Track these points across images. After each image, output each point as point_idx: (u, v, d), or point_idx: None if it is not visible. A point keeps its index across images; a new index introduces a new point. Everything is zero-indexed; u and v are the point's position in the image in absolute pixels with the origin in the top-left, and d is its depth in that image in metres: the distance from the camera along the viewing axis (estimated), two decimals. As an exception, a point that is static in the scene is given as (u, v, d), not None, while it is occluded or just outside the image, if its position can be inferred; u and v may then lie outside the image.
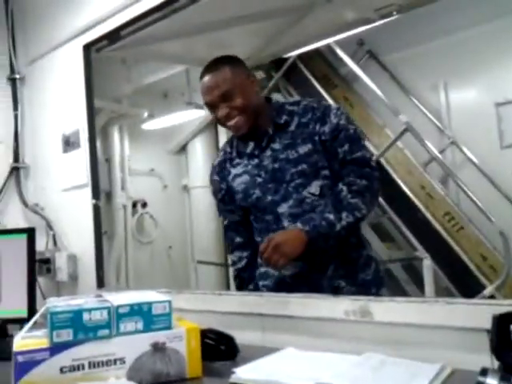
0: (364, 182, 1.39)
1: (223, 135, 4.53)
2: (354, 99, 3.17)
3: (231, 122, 1.47)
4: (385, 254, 2.86)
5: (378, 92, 2.71)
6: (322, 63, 3.23)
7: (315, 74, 3.15)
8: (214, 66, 1.49)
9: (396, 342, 1.13)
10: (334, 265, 1.47)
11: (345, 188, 1.39)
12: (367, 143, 2.92)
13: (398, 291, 2.76)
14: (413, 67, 3.31)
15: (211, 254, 4.35)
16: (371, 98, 3.03)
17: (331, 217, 1.36)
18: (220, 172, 1.62)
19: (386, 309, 1.18)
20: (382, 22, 2.13)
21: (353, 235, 1.47)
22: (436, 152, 2.73)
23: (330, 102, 3.09)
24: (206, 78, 1.48)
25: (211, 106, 1.49)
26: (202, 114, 4.12)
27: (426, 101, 3.30)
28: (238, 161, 1.57)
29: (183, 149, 4.74)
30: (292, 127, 1.47)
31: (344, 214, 1.36)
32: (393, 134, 2.87)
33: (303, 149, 1.43)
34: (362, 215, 1.38)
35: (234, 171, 1.57)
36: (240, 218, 1.62)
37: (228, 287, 4.00)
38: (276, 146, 1.48)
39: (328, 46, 2.93)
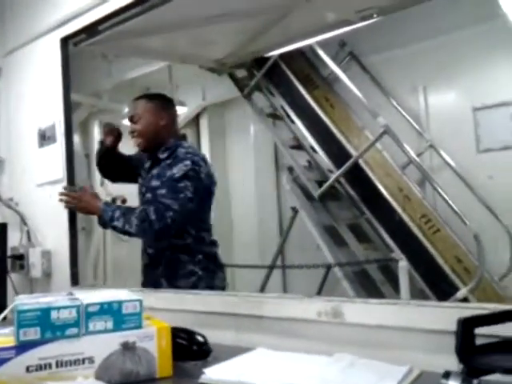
0: (147, 215, 1.77)
1: (205, 134, 4.52)
2: (334, 100, 3.18)
3: (133, 139, 2.00)
4: (361, 255, 2.88)
5: (358, 94, 2.72)
6: (304, 63, 3.23)
7: (297, 74, 3.15)
8: (142, 95, 2.07)
9: (367, 343, 1.14)
10: (163, 267, 1.91)
11: (140, 208, 1.84)
12: (347, 144, 2.96)
13: (375, 292, 2.78)
14: (393, 69, 3.34)
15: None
16: (352, 99, 3.05)
17: (116, 215, 1.82)
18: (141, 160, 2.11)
19: (358, 310, 1.19)
20: (362, 23, 2.14)
21: (185, 254, 1.90)
22: (414, 155, 2.76)
23: (311, 103, 3.10)
24: (132, 101, 2.04)
25: (129, 121, 2.02)
26: (183, 111, 4.10)
27: (405, 103, 3.33)
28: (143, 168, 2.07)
29: (164, 146, 4.71)
30: (162, 165, 1.91)
31: (121, 220, 1.81)
32: (372, 136, 2.89)
33: (155, 183, 1.88)
34: (126, 230, 1.81)
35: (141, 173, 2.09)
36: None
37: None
38: (153, 171, 1.95)
39: (310, 47, 2.94)
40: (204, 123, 4.51)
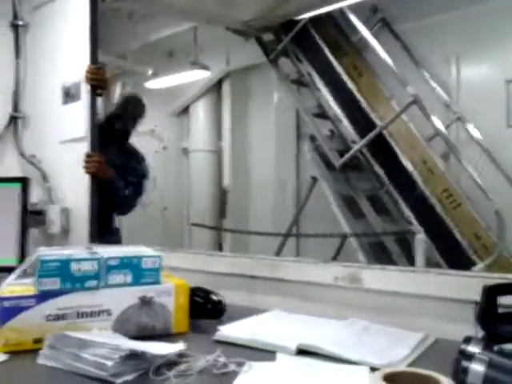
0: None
1: (227, 99, 4.48)
2: (362, 68, 3.09)
3: (119, 130, 2.48)
4: (379, 227, 2.86)
5: (388, 61, 2.64)
6: (334, 29, 3.14)
7: (326, 39, 3.06)
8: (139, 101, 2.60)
9: (383, 309, 1.14)
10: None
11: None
12: (372, 114, 2.90)
13: (389, 264, 2.76)
14: (426, 39, 3.22)
15: (206, 217, 4.36)
16: (380, 68, 2.96)
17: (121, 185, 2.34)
18: None
19: (376, 276, 1.18)
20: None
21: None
22: (441, 127, 2.68)
23: (339, 70, 3.03)
24: (133, 103, 2.56)
25: (118, 116, 2.48)
26: (206, 75, 4.06)
27: (436, 74, 3.22)
28: None
29: (185, 111, 4.69)
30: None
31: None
32: (399, 107, 2.82)
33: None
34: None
35: None
36: None
37: (220, 251, 4.03)
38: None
39: (340, 11, 2.85)
40: (226, 88, 4.47)
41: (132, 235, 3.64)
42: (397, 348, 0.93)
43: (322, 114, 3.23)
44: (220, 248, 4.23)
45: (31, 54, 2.37)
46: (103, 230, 2.27)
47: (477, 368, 0.62)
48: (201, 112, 4.59)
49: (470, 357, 0.64)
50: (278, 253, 3.17)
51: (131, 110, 2.52)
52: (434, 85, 3.17)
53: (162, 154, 4.50)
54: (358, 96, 2.96)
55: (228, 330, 1.06)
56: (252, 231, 3.31)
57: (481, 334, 0.78)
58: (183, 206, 4.62)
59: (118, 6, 2.05)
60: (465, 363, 0.63)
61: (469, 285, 1.03)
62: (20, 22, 2.35)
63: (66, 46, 2.18)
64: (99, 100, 2.17)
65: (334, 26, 3.18)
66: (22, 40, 2.37)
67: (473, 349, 0.68)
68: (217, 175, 4.53)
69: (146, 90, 4.10)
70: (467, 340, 0.70)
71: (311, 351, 0.94)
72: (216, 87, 4.50)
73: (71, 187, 2.16)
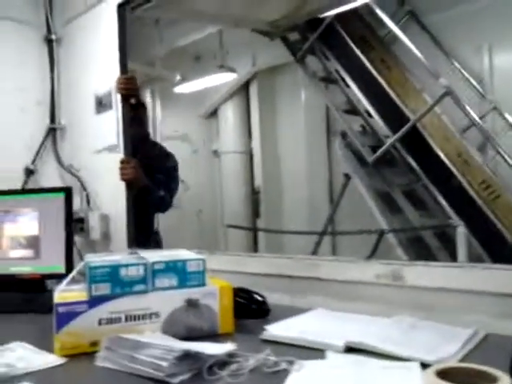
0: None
1: (255, 100, 4.50)
2: (391, 62, 3.05)
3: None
4: (416, 222, 2.82)
5: (418, 53, 2.60)
6: (360, 24, 3.11)
7: (352, 35, 3.04)
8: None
9: (428, 306, 1.13)
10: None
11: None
12: (404, 108, 2.86)
13: (430, 259, 2.72)
14: (455, 29, 3.15)
15: (240, 218, 4.38)
16: (410, 60, 2.92)
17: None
18: None
19: (419, 273, 1.17)
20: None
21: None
22: (476, 117, 2.63)
23: (367, 65, 3.00)
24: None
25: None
26: (233, 77, 4.08)
27: (467, 64, 3.15)
28: None
29: (214, 113, 4.73)
30: None
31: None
32: (431, 99, 2.77)
33: None
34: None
35: None
36: None
37: (256, 252, 4.04)
38: None
39: (366, 6, 2.82)
40: (254, 89, 4.48)
41: (169, 239, 3.70)
42: (447, 344, 0.92)
43: (353, 111, 3.21)
44: (255, 248, 4.25)
45: (64, 67, 2.45)
46: (144, 234, 2.34)
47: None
48: (230, 114, 4.62)
49: (526, 351, 0.63)
50: (314, 252, 3.16)
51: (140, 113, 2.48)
52: (467, 75, 3.10)
53: (194, 157, 4.55)
54: (388, 90, 2.92)
55: (275, 330, 1.08)
56: (287, 230, 3.31)
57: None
58: (217, 208, 4.66)
59: (146, 14, 2.09)
60: (522, 357, 0.62)
61: (517, 278, 1.01)
62: (53, 36, 2.43)
63: (97, 56, 2.24)
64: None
65: (360, 22, 3.15)
66: (55, 53, 2.44)
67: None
68: (248, 176, 4.55)
69: (175, 95, 4.16)
70: (522, 334, 0.69)
71: (360, 348, 0.94)
72: (244, 89, 4.52)
73: (108, 194, 2.21)
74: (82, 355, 1.01)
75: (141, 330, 1.06)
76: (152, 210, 2.47)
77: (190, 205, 4.27)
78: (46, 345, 1.04)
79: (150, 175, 2.28)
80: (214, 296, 1.15)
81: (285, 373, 0.86)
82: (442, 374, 0.67)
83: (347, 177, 3.20)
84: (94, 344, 1.02)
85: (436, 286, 1.14)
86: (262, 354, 0.91)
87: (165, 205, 2.43)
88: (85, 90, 2.31)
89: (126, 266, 1.10)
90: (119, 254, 1.25)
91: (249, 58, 4.19)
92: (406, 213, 2.84)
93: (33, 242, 1.73)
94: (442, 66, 3.05)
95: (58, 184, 2.35)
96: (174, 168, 2.48)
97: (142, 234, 2.36)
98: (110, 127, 2.16)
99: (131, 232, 2.09)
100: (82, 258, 1.25)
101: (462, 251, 2.41)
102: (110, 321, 1.06)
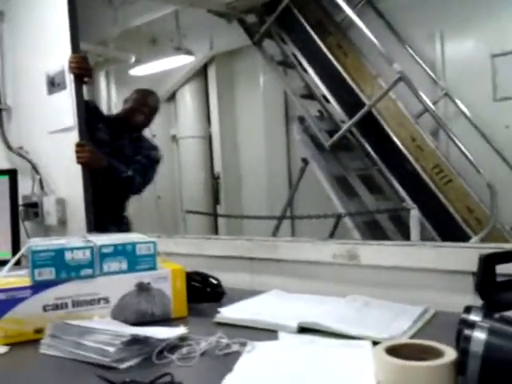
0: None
1: (213, 84, 4.44)
2: (347, 47, 3.07)
3: (133, 118, 2.50)
4: (372, 206, 2.87)
5: (373, 39, 2.62)
6: (317, 9, 3.11)
7: (309, 19, 3.04)
8: (154, 94, 2.63)
9: (382, 284, 1.14)
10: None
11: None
12: (360, 93, 2.89)
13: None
14: (409, 16, 3.21)
15: (200, 203, 4.34)
16: (366, 46, 2.95)
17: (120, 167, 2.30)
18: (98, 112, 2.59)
19: (373, 252, 1.18)
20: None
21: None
22: (429, 103, 2.69)
23: (324, 50, 3.01)
24: (149, 96, 2.58)
25: (136, 110, 2.50)
26: (191, 60, 4.01)
27: (421, 51, 3.22)
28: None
29: (172, 97, 4.64)
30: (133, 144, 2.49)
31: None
32: (386, 85, 2.81)
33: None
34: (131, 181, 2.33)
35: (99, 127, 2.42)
36: None
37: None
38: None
39: (323, -10, 2.82)
40: (212, 73, 4.43)
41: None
42: (398, 321, 0.93)
43: (310, 95, 3.22)
44: (216, 234, 4.23)
45: (10, 44, 2.32)
46: (114, 217, 2.37)
47: (479, 335, 0.63)
48: (188, 98, 4.54)
49: (471, 325, 0.64)
50: (274, 236, 3.18)
51: (148, 103, 2.55)
52: (420, 61, 3.16)
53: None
54: (345, 75, 2.94)
55: (228, 312, 1.06)
56: (246, 215, 3.31)
57: (480, 303, 0.79)
58: (176, 194, 4.60)
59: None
60: (467, 332, 0.63)
61: (466, 256, 1.03)
62: (-6, 11, 2.29)
63: (46, 33, 2.12)
64: (84, 88, 2.13)
65: (316, 6, 3.15)
66: (-1, 29, 2.31)
67: (474, 317, 0.68)
68: (208, 161, 4.51)
69: (131, 77, 4.05)
70: (467, 309, 0.70)
71: (313, 329, 0.94)
72: (202, 72, 4.46)
73: (64, 177, 2.12)
74: (26, 343, 0.97)
75: (89, 316, 1.02)
76: (122, 191, 2.42)
77: (147, 191, 4.19)
78: (-14, 334, 0.99)
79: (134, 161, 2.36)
80: (167, 279, 1.12)
81: (236, 355, 0.84)
82: (391, 350, 0.68)
83: (305, 161, 3.21)
84: (39, 331, 0.97)
85: (390, 265, 1.15)
86: (213, 337, 0.89)
87: (135, 186, 2.39)
88: (34, 69, 2.19)
89: (71, 249, 1.05)
90: (67, 238, 1.19)
91: (206, 41, 4.13)
92: (362, 197, 2.89)
93: (-24, 228, 1.64)
94: (397, 52, 3.10)
95: (7, 167, 2.24)
96: (158, 162, 2.52)
97: (112, 218, 2.36)
98: (64, 108, 2.06)
99: (90, 217, 2.01)
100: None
101: (415, 233, 2.48)
102: (56, 307, 1.02)
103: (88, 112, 2.20)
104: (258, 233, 3.37)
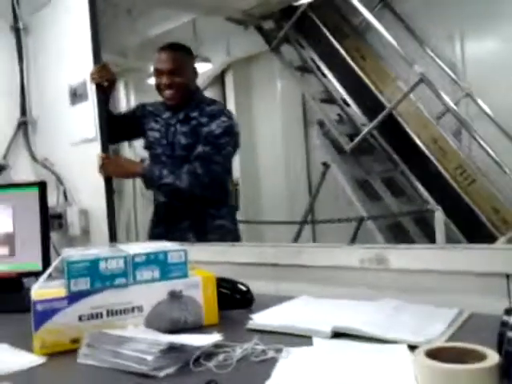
0: (195, 170, 1.87)
1: (231, 91, 4.46)
2: (365, 50, 3.07)
3: (168, 91, 1.96)
4: (395, 208, 2.85)
5: (392, 41, 2.62)
6: (334, 13, 3.12)
7: (327, 24, 3.04)
8: (175, 46, 2.02)
9: (413, 288, 1.13)
10: (190, 221, 1.97)
11: (185, 167, 1.88)
12: (380, 96, 2.88)
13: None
14: (428, 17, 3.19)
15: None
16: (384, 49, 2.94)
17: (164, 173, 1.88)
18: (146, 110, 2.15)
19: (402, 256, 1.18)
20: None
21: (213, 208, 1.99)
22: (451, 103, 2.66)
23: (342, 53, 3.01)
24: (166, 52, 1.97)
25: (159, 73, 1.97)
26: (209, 68, 4.04)
27: (440, 52, 3.19)
28: (156, 119, 2.09)
29: (190, 105, 4.67)
30: (193, 123, 1.95)
31: (170, 177, 1.88)
32: (406, 87, 2.80)
33: (187, 140, 1.96)
34: (177, 186, 1.88)
35: (152, 123, 2.09)
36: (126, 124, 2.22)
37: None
38: (179, 127, 1.99)
39: (340, -6, 2.82)
40: (229, 80, 4.46)
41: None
42: (432, 325, 0.93)
43: (329, 99, 3.22)
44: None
45: (34, 57, 2.37)
46: (197, 228, 1.96)
47: (522, 338, 0.62)
48: (205, 105, 4.57)
49: (513, 327, 0.64)
50: (295, 241, 3.17)
51: (167, 57, 1.97)
52: (440, 62, 3.14)
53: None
54: (364, 78, 2.94)
55: (261, 318, 1.07)
56: (267, 221, 3.30)
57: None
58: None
59: (117, 1, 2.03)
60: (510, 334, 0.63)
61: (497, 257, 1.02)
62: (20, 25, 2.33)
63: (68, 45, 2.16)
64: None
65: (334, 10, 3.15)
66: (23, 43, 2.36)
67: (515, 320, 0.67)
68: (226, 167, 4.52)
69: (150, 86, 4.09)
70: (508, 311, 0.70)
71: (347, 333, 0.94)
72: (219, 79, 4.49)
73: (87, 188, 2.15)
74: (63, 353, 0.98)
75: (123, 325, 1.03)
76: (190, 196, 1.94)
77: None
78: (25, 345, 1.01)
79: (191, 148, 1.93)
80: (198, 287, 1.13)
81: (273, 361, 0.85)
82: (431, 354, 0.68)
83: (325, 165, 3.21)
84: (75, 341, 0.99)
85: (419, 268, 1.14)
86: (249, 344, 0.90)
87: (187, 189, 1.88)
88: (57, 80, 2.23)
89: (106, 259, 1.07)
90: (97, 248, 1.21)
91: (223, 48, 4.16)
92: (384, 199, 2.87)
93: (7, 240, 1.67)
94: (416, 53, 3.08)
95: (33, 179, 2.28)
96: (228, 134, 1.93)
97: (195, 226, 1.97)
98: (86, 119, 2.10)
99: (113, 227, 2.04)
100: (58, 255, 1.21)
101: (440, 235, 2.45)
102: (91, 316, 1.03)
103: (144, 115, 2.15)
104: (279, 239, 3.37)
